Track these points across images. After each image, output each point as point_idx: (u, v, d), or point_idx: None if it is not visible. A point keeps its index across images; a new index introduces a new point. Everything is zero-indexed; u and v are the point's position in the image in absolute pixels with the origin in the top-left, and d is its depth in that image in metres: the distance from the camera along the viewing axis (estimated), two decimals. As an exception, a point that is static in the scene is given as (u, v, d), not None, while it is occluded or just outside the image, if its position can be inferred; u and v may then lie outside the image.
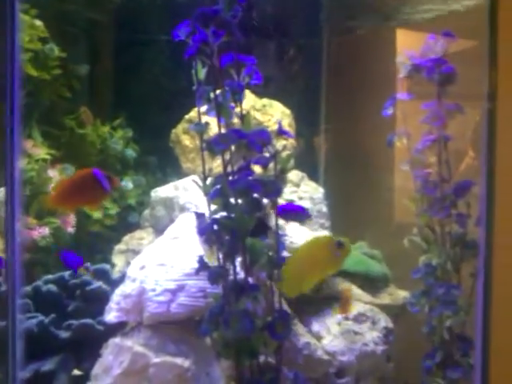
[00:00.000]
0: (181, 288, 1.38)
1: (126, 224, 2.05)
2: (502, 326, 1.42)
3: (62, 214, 1.70)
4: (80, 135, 1.88)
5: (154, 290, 1.37)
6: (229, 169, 1.29)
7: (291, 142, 2.04)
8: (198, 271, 1.24)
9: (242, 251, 1.24)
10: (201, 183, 1.33)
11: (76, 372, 1.50)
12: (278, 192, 1.32)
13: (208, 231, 1.21)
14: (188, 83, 1.36)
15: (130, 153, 2.03)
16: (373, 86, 2.26)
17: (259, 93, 2.11)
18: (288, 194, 2.06)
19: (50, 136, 1.87)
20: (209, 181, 1.31)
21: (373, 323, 1.86)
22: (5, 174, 1.26)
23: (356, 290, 1.98)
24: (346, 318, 1.86)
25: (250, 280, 1.26)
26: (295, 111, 2.15)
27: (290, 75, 2.45)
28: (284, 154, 1.36)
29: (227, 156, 1.27)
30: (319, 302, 1.88)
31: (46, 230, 1.68)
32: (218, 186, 1.22)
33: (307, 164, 2.26)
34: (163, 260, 1.44)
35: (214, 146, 1.25)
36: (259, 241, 1.29)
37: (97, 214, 1.87)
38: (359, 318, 1.85)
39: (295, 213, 1.46)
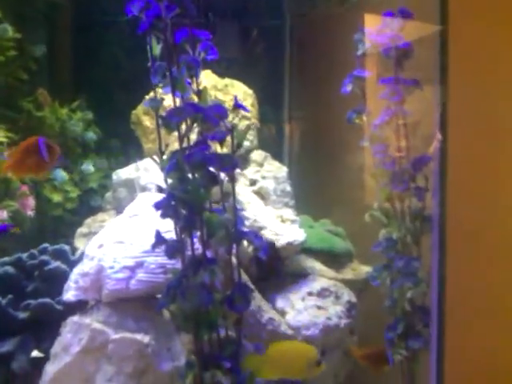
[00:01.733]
0: (140, 265, 1.38)
1: (88, 208, 2.03)
2: (455, 296, 1.46)
3: (20, 196, 1.68)
4: (38, 118, 1.85)
5: (112, 268, 1.37)
6: (185, 144, 1.29)
7: (254, 119, 2.05)
8: (155, 246, 1.24)
9: (199, 225, 1.24)
10: (158, 160, 1.33)
11: (37, 354, 1.49)
12: (235, 166, 1.32)
13: (164, 205, 1.21)
14: (148, 64, 1.35)
15: (91, 135, 2.01)
16: (336, 66, 2.27)
17: (221, 73, 2.10)
18: (252, 174, 2.07)
19: (7, 119, 1.84)
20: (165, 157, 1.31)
21: (336, 298, 1.89)
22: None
23: (320, 266, 2.00)
24: (310, 294, 1.89)
25: (208, 254, 1.27)
26: (258, 93, 2.15)
27: (253, 57, 2.45)
28: (242, 128, 1.36)
29: (183, 131, 1.26)
30: (283, 278, 1.90)
31: (4, 214, 1.65)
32: (174, 160, 1.22)
33: (271, 145, 2.27)
34: (122, 238, 1.43)
35: (169, 120, 1.25)
36: (216, 215, 1.29)
37: (57, 198, 1.85)
38: (323, 293, 1.88)
39: None
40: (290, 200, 2.10)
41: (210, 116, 1.25)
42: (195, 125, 1.30)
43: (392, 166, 1.82)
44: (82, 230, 1.89)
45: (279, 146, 2.40)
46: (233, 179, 1.36)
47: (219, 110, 1.30)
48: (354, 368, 1.89)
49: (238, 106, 1.37)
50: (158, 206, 1.22)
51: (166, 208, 1.21)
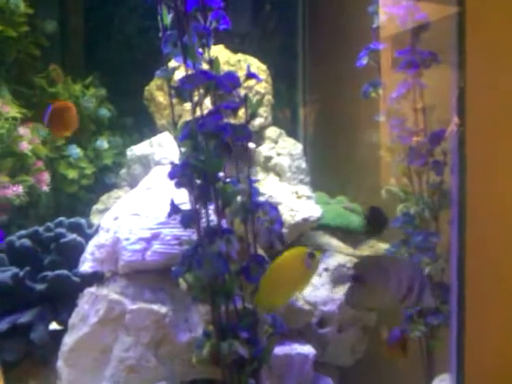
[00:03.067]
0: (155, 236, 1.37)
1: (102, 185, 2.03)
2: (476, 272, 1.43)
3: (35, 172, 1.68)
4: (51, 94, 1.84)
5: (128, 239, 1.36)
6: (198, 114, 1.28)
7: (267, 95, 2.02)
8: (170, 214, 1.23)
9: (213, 194, 1.23)
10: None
11: (55, 327, 1.50)
12: (249, 136, 1.31)
13: (179, 174, 1.19)
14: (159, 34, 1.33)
15: (104, 112, 2.00)
16: (351, 40, 2.23)
17: (234, 49, 2.08)
18: (266, 150, 2.04)
19: (21, 95, 1.83)
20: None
21: (353, 274, 1.86)
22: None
23: (336, 243, 1.98)
24: (327, 270, 1.87)
25: (223, 224, 1.25)
26: (272, 69, 2.12)
27: (266, 32, 2.41)
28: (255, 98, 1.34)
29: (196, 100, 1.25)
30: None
31: (20, 189, 1.65)
32: (187, 129, 1.21)
33: (286, 121, 2.25)
34: (137, 210, 1.42)
35: (181, 88, 1.23)
36: (231, 185, 1.28)
37: (72, 174, 1.85)
38: (340, 269, 1.86)
39: None
40: (306, 177, 2.08)
41: (223, 84, 1.24)
42: (208, 98, 1.29)
43: (409, 140, 1.80)
44: (98, 206, 1.89)
45: (294, 122, 2.37)
46: (247, 149, 1.34)
47: (232, 79, 1.28)
48: (371, 344, 1.88)
49: (250, 76, 1.35)
50: (172, 175, 1.20)
51: (180, 177, 1.20)
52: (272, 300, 1.22)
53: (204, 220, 1.24)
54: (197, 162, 1.17)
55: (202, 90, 1.27)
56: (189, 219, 1.22)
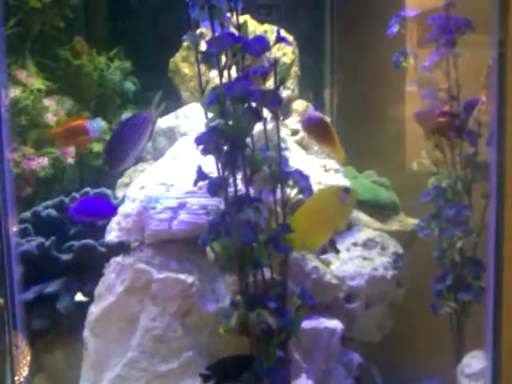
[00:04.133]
0: (182, 206, 1.35)
1: (128, 160, 2.01)
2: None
3: (60, 144, 1.67)
4: (76, 66, 1.82)
5: (154, 208, 1.34)
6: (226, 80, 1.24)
7: (294, 67, 1.97)
8: (196, 182, 1.20)
9: (241, 161, 1.19)
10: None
11: (81, 298, 1.49)
12: (279, 102, 1.26)
13: (206, 139, 1.16)
14: (186, 15, 1.29)
15: (129, 85, 1.97)
16: (381, 11, 2.17)
17: (261, 20, 2.03)
18: (293, 123, 2.00)
19: (46, 68, 1.82)
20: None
21: (382, 249, 1.83)
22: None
23: (364, 217, 1.94)
24: (355, 244, 1.83)
25: (251, 191, 1.22)
26: (298, 41, 2.07)
27: (293, 3, 2.35)
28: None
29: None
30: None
31: (45, 161, 1.64)
32: (215, 93, 1.17)
33: (313, 94, 2.19)
34: (163, 179, 1.40)
35: (209, 52, 1.20)
36: (259, 152, 1.24)
37: (97, 147, 1.84)
38: (368, 244, 1.82)
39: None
40: (333, 150, 2.03)
41: (252, 46, 1.19)
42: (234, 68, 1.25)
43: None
44: (123, 180, 1.88)
45: (320, 96, 2.32)
46: (276, 116, 1.30)
47: (261, 42, 1.24)
48: (399, 321, 1.84)
49: (280, 40, 1.31)
50: (198, 140, 1.17)
51: (207, 143, 1.17)
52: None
53: (231, 188, 1.21)
54: (224, 126, 1.14)
55: (229, 54, 1.23)
56: (216, 186, 1.19)
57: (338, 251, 1.52)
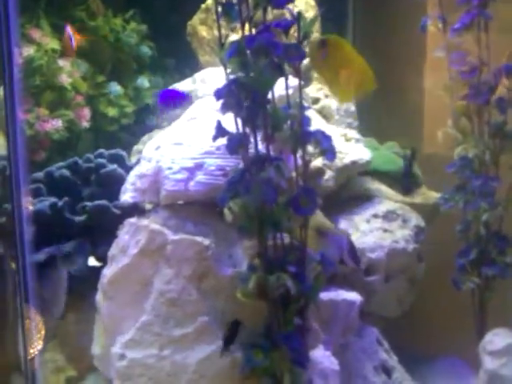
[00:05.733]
0: (199, 166, 1.30)
1: (143, 127, 1.97)
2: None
3: (75, 106, 1.62)
4: (91, 27, 1.77)
5: (170, 169, 1.29)
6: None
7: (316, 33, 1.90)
8: (215, 138, 1.15)
9: (262, 117, 1.14)
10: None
11: (94, 263, 1.46)
12: (302, 57, 1.21)
13: (226, 93, 1.11)
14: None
15: (146, 50, 1.92)
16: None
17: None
18: (314, 92, 1.94)
19: (61, 29, 1.77)
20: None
21: (403, 221, 1.77)
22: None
23: (385, 189, 1.88)
24: (375, 216, 1.77)
25: (272, 149, 1.17)
26: (321, 7, 2.00)
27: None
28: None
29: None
30: (346, 200, 1.79)
31: (59, 123, 1.60)
32: (235, 45, 1.11)
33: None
34: (180, 140, 1.35)
35: (229, 3, 1.14)
36: (281, 109, 1.19)
37: (112, 112, 1.79)
38: (389, 216, 1.76)
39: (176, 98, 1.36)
40: (354, 121, 1.98)
41: (276, -4, 1.13)
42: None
43: (471, 75, 1.66)
44: (138, 147, 1.84)
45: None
46: (299, 73, 1.24)
47: (283, -6, 1.18)
48: (420, 296, 1.79)
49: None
50: (218, 93, 1.12)
51: (227, 96, 1.11)
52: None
53: (252, 146, 1.16)
54: (245, 79, 1.08)
55: (251, 5, 1.17)
56: (236, 143, 1.14)
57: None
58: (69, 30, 1.45)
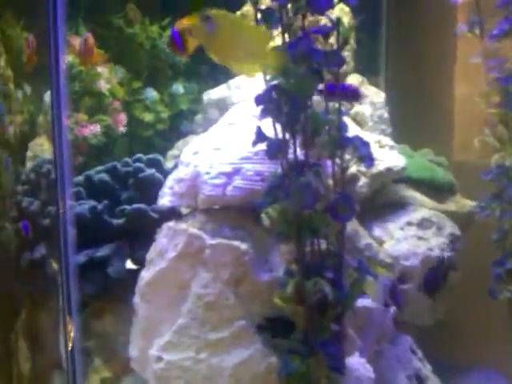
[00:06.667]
0: (237, 171, 1.30)
1: (177, 133, 1.99)
2: None
3: (112, 112, 1.65)
4: (128, 35, 1.80)
5: (208, 173, 1.30)
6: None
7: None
8: (255, 143, 1.16)
9: (302, 123, 1.14)
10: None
11: (131, 266, 1.48)
12: (341, 63, 1.21)
13: (266, 99, 1.12)
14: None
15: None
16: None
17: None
18: (346, 98, 1.93)
19: (98, 36, 1.81)
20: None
21: (438, 229, 1.75)
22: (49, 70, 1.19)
23: (420, 197, 1.86)
24: (409, 224, 1.76)
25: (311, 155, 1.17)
26: (354, 13, 2.00)
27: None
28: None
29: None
30: (380, 207, 1.78)
31: (97, 128, 1.63)
32: (276, 50, 1.12)
33: (368, 69, 2.12)
34: (218, 145, 1.36)
35: (269, 9, 1.15)
36: (320, 115, 1.19)
37: (148, 117, 1.81)
38: (423, 224, 1.75)
39: (345, 93, 1.34)
40: (388, 127, 1.97)
41: (317, 3, 1.14)
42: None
43: (509, 82, 1.64)
44: (173, 152, 1.86)
45: (375, 71, 2.24)
46: (338, 78, 1.24)
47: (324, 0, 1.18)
48: (454, 305, 1.76)
49: (343, -5, 1.24)
50: (259, 99, 1.13)
51: (267, 102, 1.12)
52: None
53: (291, 151, 1.16)
54: (286, 84, 1.09)
55: (291, 12, 1.18)
56: (276, 149, 1.14)
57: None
58: (85, 39, 1.45)
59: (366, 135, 1.87)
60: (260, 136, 1.15)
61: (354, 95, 1.37)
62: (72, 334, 1.20)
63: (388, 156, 1.75)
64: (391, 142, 1.84)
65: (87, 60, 1.52)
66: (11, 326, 1.73)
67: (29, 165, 1.70)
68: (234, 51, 1.10)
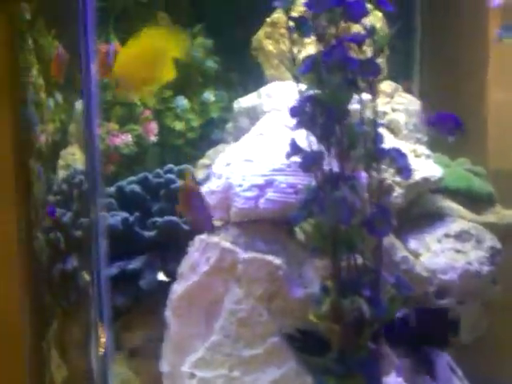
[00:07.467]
0: (269, 183, 1.28)
1: (208, 142, 1.97)
2: None
3: (143, 121, 1.64)
4: (159, 43, 1.78)
5: (240, 186, 1.28)
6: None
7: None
8: (289, 155, 1.13)
9: (337, 134, 1.11)
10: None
11: (162, 278, 1.46)
12: (377, 72, 1.17)
13: (301, 110, 1.08)
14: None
15: (211, 64, 1.93)
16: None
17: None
18: (381, 105, 1.89)
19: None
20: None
21: (477, 242, 1.68)
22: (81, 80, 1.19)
23: (457, 208, 1.80)
24: (447, 236, 1.70)
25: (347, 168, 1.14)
26: (387, 18, 1.95)
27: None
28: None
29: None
30: (416, 219, 1.73)
31: (128, 137, 1.62)
32: (310, 60, 1.09)
33: (401, 75, 2.07)
34: (250, 156, 1.34)
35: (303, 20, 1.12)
36: (355, 126, 1.16)
37: (179, 126, 1.80)
38: (462, 236, 1.68)
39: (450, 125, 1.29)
40: (423, 136, 1.91)
41: (353, 11, 1.10)
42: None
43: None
44: (204, 161, 1.84)
45: (409, 77, 2.19)
46: (373, 88, 1.21)
47: (359, 7, 1.15)
48: (494, 322, 1.70)
49: (380, 3, 1.20)
50: (293, 111, 1.10)
51: (302, 114, 1.09)
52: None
53: (325, 163, 1.13)
54: (322, 95, 1.06)
55: (324, 20, 1.15)
56: (310, 161, 1.11)
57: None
58: (112, 46, 1.43)
59: (401, 144, 1.82)
60: (294, 148, 1.12)
61: (459, 127, 1.31)
62: (103, 346, 1.19)
63: (424, 165, 1.70)
64: (427, 151, 1.78)
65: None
66: (43, 335, 1.74)
67: (60, 174, 1.71)
68: (132, 82, 1.10)
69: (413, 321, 1.32)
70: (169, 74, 1.17)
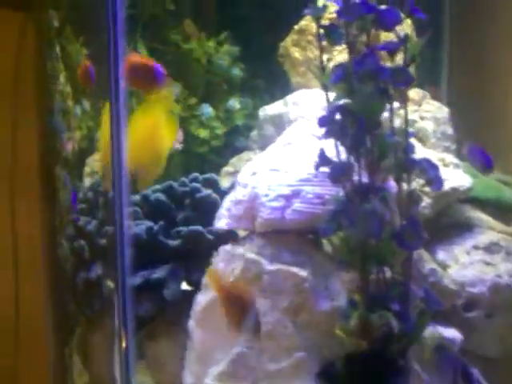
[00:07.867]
0: (296, 194, 1.25)
1: (232, 149, 1.96)
2: None
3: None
4: (185, 51, 1.78)
5: (266, 196, 1.26)
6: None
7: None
8: (318, 166, 1.11)
9: (368, 145, 1.08)
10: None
11: (186, 287, 1.45)
12: (409, 81, 1.15)
13: (330, 120, 1.06)
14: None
15: (237, 72, 1.92)
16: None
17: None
18: (409, 113, 1.85)
19: (155, 52, 1.80)
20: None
21: (507, 254, 1.64)
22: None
23: (486, 218, 1.76)
24: (476, 247, 1.66)
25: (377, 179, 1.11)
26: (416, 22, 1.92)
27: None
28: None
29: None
30: (444, 229, 1.69)
31: (153, 145, 1.61)
32: (341, 69, 1.07)
33: (429, 83, 2.04)
34: (276, 166, 1.32)
35: (333, 27, 1.10)
36: (387, 136, 1.13)
37: (204, 134, 1.79)
38: (491, 248, 1.64)
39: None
40: (452, 144, 1.87)
41: (386, 18, 1.08)
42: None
43: None
44: (228, 169, 1.83)
45: (437, 84, 2.15)
46: (404, 97, 1.18)
47: (392, 15, 1.13)
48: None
49: (414, 11, 1.18)
50: (322, 121, 1.08)
51: (332, 124, 1.07)
52: None
53: (355, 174, 1.10)
54: (353, 105, 1.04)
55: (356, 28, 1.13)
56: (340, 172, 1.09)
57: None
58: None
59: (429, 153, 1.79)
60: (323, 159, 1.10)
61: (490, 169, 1.32)
62: (126, 354, 1.18)
63: (453, 175, 1.66)
64: (456, 160, 1.75)
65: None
66: (66, 342, 1.75)
67: (86, 181, 1.71)
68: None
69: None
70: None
